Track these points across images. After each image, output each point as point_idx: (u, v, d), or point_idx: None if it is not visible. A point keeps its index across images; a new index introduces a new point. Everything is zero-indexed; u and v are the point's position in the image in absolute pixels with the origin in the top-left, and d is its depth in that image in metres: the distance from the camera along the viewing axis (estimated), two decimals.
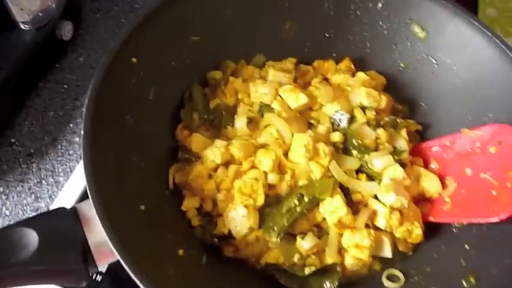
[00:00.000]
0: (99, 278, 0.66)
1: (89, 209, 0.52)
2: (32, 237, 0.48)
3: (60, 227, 0.51)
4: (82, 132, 0.53)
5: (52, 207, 0.69)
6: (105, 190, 0.51)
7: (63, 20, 0.80)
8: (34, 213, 0.69)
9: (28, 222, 0.50)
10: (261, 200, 0.60)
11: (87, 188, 0.50)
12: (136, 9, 0.92)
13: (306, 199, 0.60)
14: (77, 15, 0.87)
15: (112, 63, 0.59)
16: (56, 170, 0.73)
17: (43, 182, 0.72)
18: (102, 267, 0.66)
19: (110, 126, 0.57)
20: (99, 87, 0.56)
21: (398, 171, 0.63)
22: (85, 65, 0.83)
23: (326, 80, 0.74)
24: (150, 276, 0.47)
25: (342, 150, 0.66)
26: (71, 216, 0.52)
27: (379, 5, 0.72)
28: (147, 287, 0.47)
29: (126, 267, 0.47)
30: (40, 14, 0.75)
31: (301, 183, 0.62)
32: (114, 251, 0.48)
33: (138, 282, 0.47)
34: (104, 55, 0.59)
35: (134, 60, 0.62)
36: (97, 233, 0.52)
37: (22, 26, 0.74)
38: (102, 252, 0.51)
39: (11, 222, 0.69)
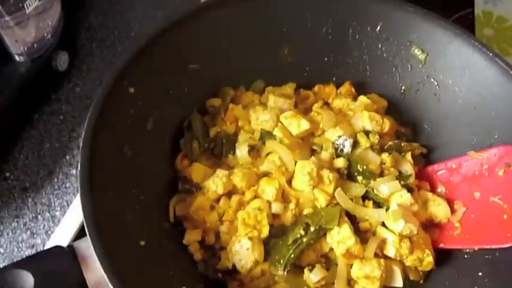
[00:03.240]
0: None
1: (87, 247, 0.50)
2: (27, 280, 0.46)
3: (57, 268, 0.49)
4: (79, 166, 0.51)
5: (48, 243, 0.66)
6: (103, 227, 0.49)
7: (58, 50, 0.79)
8: (30, 250, 0.67)
9: (23, 264, 0.47)
10: (265, 232, 0.58)
11: (85, 227, 0.48)
12: (132, 37, 0.91)
13: (312, 229, 0.58)
14: (72, 45, 0.86)
15: (109, 95, 0.57)
16: (53, 204, 0.70)
17: (39, 217, 0.69)
18: None
19: (108, 159, 0.55)
20: (95, 120, 0.55)
21: (405, 197, 0.61)
22: (81, 96, 0.82)
23: (327, 104, 0.73)
24: None
25: (346, 176, 0.64)
26: (68, 256, 0.50)
27: (378, 28, 0.72)
28: None
29: None
30: (35, 45, 0.74)
31: (306, 211, 0.60)
32: None
33: None
34: (101, 86, 0.58)
35: (132, 90, 0.60)
36: (96, 272, 0.50)
37: (17, 58, 0.73)
38: None
39: (6, 260, 0.66)
